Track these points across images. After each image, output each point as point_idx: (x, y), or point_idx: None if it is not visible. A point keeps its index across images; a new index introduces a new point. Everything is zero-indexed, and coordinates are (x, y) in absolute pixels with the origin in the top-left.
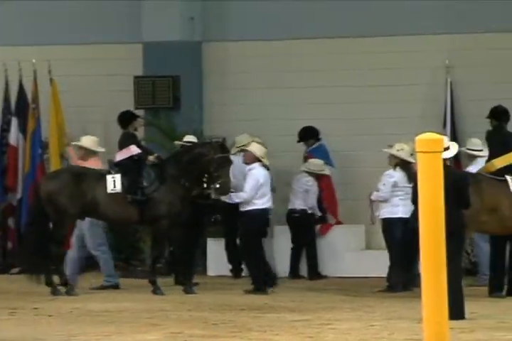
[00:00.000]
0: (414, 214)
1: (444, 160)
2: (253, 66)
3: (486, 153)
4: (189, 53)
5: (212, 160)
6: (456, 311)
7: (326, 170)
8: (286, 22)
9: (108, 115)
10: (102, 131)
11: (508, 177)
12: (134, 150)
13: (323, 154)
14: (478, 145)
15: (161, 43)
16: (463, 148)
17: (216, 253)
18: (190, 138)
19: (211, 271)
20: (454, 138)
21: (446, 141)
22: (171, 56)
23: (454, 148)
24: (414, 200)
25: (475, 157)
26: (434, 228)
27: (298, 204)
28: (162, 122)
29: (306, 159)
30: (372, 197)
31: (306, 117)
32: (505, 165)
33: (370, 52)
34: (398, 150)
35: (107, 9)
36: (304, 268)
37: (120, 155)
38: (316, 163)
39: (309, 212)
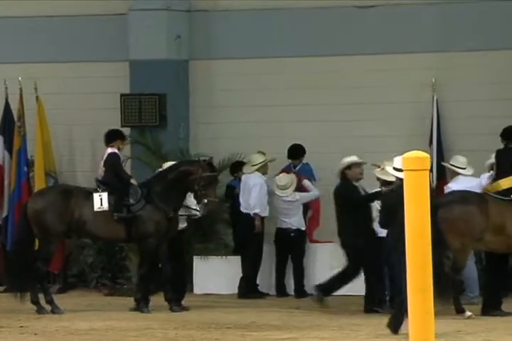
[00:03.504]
0: (391, 234)
1: None
2: (239, 84)
3: (469, 172)
4: (175, 71)
5: (200, 179)
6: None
7: (293, 182)
8: (272, 41)
9: (94, 133)
10: (89, 149)
11: None
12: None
13: (309, 172)
14: (462, 163)
15: (147, 61)
16: (446, 164)
17: (203, 271)
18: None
19: (198, 289)
20: (440, 156)
21: None
22: (158, 74)
23: None
24: (383, 223)
25: (457, 174)
26: (420, 247)
27: (296, 223)
28: (148, 140)
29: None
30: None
31: (293, 135)
32: (511, 186)
33: (356, 71)
34: (381, 170)
35: (94, 27)
36: (290, 286)
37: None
38: (284, 182)
39: (303, 229)
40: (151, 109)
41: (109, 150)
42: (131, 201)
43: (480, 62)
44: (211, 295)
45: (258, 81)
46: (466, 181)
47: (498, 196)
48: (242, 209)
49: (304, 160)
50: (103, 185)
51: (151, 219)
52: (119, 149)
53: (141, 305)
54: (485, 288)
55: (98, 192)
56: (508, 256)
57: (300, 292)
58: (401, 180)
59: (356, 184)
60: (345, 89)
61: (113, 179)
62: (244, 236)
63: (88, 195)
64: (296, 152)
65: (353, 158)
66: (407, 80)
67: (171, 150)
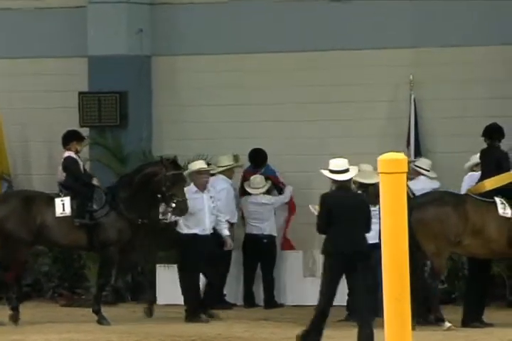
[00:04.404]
0: (331, 239)
1: (345, 182)
2: (205, 81)
3: (433, 174)
4: (137, 68)
5: (164, 178)
6: None
7: (268, 184)
8: (241, 35)
9: (51, 133)
10: (45, 150)
11: (496, 199)
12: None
13: (272, 172)
14: (426, 164)
15: (107, 57)
16: (411, 164)
17: (166, 281)
18: None
19: (161, 300)
20: (418, 158)
21: (345, 163)
22: (118, 71)
23: (353, 171)
24: (320, 228)
25: (418, 174)
26: (396, 254)
27: (268, 228)
28: (108, 141)
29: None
30: None
31: (260, 136)
32: (495, 187)
33: (328, 67)
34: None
35: (50, 21)
36: (259, 296)
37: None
38: (259, 180)
39: (274, 235)
40: (111, 107)
41: (66, 153)
42: (95, 207)
43: (460, 59)
44: (175, 306)
45: (226, 78)
46: (427, 183)
47: (480, 197)
48: None
49: (273, 162)
50: (65, 189)
51: (113, 226)
52: (77, 151)
53: (101, 316)
54: (466, 298)
55: (60, 196)
56: (490, 264)
57: (270, 302)
58: (337, 182)
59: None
60: (316, 86)
61: (74, 183)
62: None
63: (50, 200)
64: (260, 157)
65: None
66: (383, 77)
67: (133, 152)
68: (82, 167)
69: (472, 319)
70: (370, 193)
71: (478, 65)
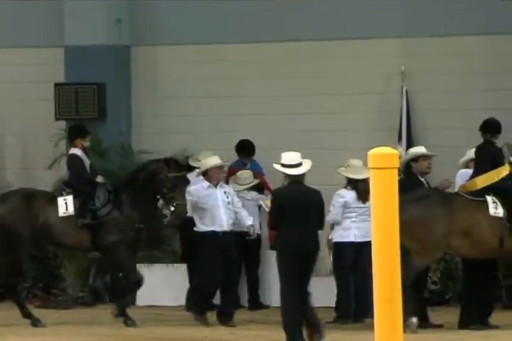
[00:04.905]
0: (282, 235)
1: (298, 176)
2: (187, 73)
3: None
4: (116, 58)
5: (166, 179)
6: None
7: (255, 181)
8: (226, 25)
9: (26, 126)
10: (19, 144)
11: (488, 198)
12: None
13: (258, 168)
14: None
15: (84, 47)
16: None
17: (147, 281)
18: None
19: (141, 301)
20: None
21: (298, 156)
22: (96, 61)
23: (306, 165)
24: (273, 224)
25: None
26: (388, 253)
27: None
28: None
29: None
30: (326, 219)
31: (245, 129)
32: (487, 184)
33: (315, 58)
34: (346, 167)
35: (25, 9)
36: (244, 298)
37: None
38: (246, 176)
39: (258, 233)
40: (88, 100)
41: (71, 151)
42: (97, 205)
43: (454, 49)
44: (156, 307)
45: (209, 69)
46: None
47: (470, 196)
48: (190, 213)
49: (259, 157)
50: (68, 187)
51: (116, 225)
52: (83, 147)
53: (126, 317)
54: (461, 299)
55: (63, 195)
56: (490, 263)
57: (254, 303)
58: (289, 176)
59: (422, 179)
60: (304, 78)
61: (77, 181)
62: (192, 243)
63: (53, 199)
64: (248, 148)
65: (422, 150)
66: (373, 68)
67: (112, 146)
68: (87, 164)
69: (469, 321)
70: (360, 189)
71: (474, 55)
